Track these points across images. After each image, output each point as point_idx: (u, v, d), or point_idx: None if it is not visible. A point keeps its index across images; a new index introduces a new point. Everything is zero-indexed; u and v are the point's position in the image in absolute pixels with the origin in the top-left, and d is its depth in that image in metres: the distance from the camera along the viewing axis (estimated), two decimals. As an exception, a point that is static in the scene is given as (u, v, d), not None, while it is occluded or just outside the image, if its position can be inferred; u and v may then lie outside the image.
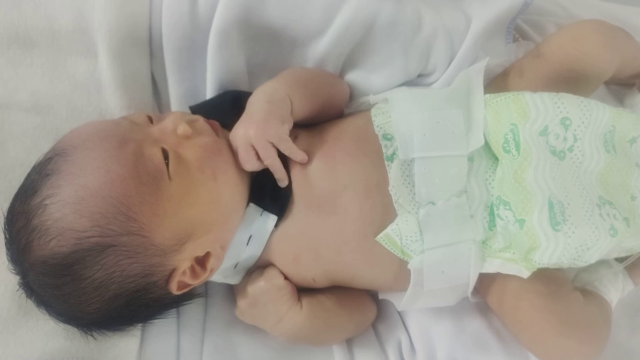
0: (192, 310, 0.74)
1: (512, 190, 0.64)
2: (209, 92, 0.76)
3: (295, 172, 0.68)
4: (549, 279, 0.68)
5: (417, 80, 0.80)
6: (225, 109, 0.72)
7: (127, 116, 0.68)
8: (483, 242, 0.67)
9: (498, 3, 0.78)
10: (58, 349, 0.66)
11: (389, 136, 0.68)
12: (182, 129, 0.64)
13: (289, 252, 0.69)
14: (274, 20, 0.72)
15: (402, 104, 0.68)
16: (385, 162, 0.67)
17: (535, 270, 0.64)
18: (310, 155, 0.68)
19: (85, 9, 0.71)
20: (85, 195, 0.57)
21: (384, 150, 0.67)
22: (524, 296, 0.68)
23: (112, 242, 0.58)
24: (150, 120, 0.67)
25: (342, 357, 0.74)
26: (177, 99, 0.77)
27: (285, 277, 0.70)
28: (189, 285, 0.65)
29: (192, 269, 0.65)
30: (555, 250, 0.62)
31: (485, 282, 0.70)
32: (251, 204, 0.68)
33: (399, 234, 0.65)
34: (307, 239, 0.68)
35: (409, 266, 0.66)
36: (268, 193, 0.67)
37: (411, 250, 0.66)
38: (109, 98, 0.75)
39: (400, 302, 0.70)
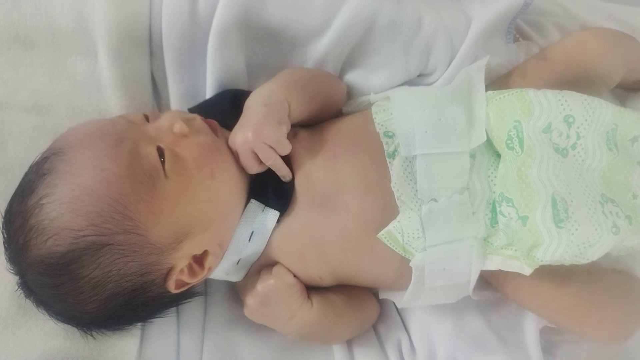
0: (192, 310, 0.74)
1: (516, 187, 0.63)
2: (209, 92, 0.77)
3: (298, 169, 0.68)
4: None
5: (417, 80, 0.79)
6: (224, 108, 0.72)
7: (124, 115, 0.69)
8: (484, 239, 0.67)
9: (498, 3, 0.78)
10: (58, 349, 0.66)
11: (390, 133, 0.68)
12: (179, 127, 0.64)
13: (294, 250, 0.68)
14: (274, 20, 0.72)
15: (404, 101, 0.68)
16: (387, 159, 0.67)
17: (537, 267, 0.63)
18: (310, 154, 0.69)
19: (85, 8, 0.71)
20: (81, 194, 0.57)
21: (385, 147, 0.67)
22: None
23: (109, 240, 0.58)
24: (147, 118, 0.67)
25: (342, 357, 0.74)
26: (177, 99, 0.78)
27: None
28: (187, 283, 0.65)
29: (189, 267, 0.64)
30: (558, 247, 0.61)
31: (502, 275, 0.68)
32: (252, 200, 0.67)
33: (400, 231, 0.65)
34: (311, 236, 0.68)
35: (410, 264, 0.66)
36: (270, 189, 0.67)
37: (413, 248, 0.66)
38: (109, 98, 0.75)
39: (400, 300, 0.70)
